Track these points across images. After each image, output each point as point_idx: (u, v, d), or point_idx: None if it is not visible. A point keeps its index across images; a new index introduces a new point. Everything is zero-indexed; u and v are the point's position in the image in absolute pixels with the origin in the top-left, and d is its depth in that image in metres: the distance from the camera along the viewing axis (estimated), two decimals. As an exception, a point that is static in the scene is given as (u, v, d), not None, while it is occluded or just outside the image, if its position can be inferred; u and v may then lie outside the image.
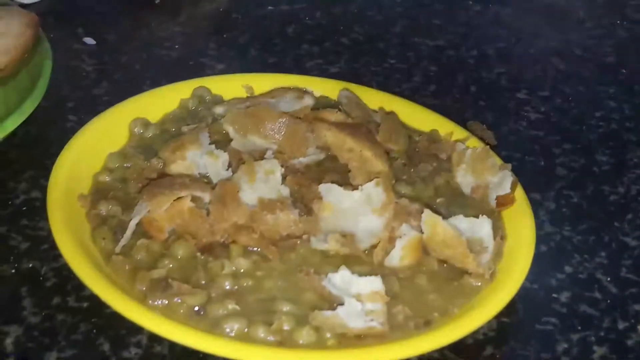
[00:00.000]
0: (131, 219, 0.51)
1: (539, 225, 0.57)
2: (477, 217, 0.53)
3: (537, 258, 0.53)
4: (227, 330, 0.46)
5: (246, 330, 0.46)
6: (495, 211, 0.56)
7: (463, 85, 0.74)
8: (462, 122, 0.63)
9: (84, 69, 0.70)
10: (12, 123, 0.53)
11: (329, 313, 0.46)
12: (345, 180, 0.55)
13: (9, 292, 0.49)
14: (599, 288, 0.54)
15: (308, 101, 0.62)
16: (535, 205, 0.59)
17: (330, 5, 0.84)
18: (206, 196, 0.52)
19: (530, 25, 0.84)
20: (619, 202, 0.62)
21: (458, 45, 0.80)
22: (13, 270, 0.51)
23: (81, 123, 0.58)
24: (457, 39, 0.81)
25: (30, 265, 0.51)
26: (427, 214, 0.51)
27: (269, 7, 0.83)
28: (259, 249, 0.51)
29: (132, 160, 0.56)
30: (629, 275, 0.56)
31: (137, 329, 0.47)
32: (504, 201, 0.56)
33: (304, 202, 0.53)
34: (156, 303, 0.47)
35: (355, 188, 0.54)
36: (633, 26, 0.86)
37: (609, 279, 0.55)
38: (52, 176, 0.53)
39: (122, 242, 0.50)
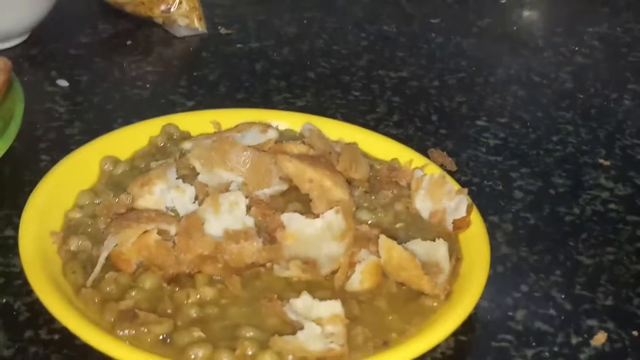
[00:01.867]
0: (100, 254, 0.53)
1: (496, 247, 0.59)
2: (434, 240, 0.55)
3: (494, 278, 0.55)
4: (193, 357, 0.48)
5: (211, 356, 0.48)
6: (452, 234, 0.58)
7: (425, 115, 0.77)
8: (423, 150, 0.66)
9: (57, 110, 0.72)
10: (-17, 165, 0.55)
11: (289, 337, 0.48)
12: (307, 209, 0.57)
13: (-17, 328, 0.51)
14: (554, 305, 0.57)
15: (272, 134, 0.64)
16: (493, 228, 0.61)
17: (297, 42, 0.87)
18: (172, 229, 0.54)
19: (490, 55, 0.88)
20: (574, 222, 0.65)
21: (421, 76, 0.83)
22: (-13, 307, 0.52)
23: (54, 162, 0.60)
24: (420, 70, 0.84)
25: (4, 300, 0.53)
26: (382, 239, 0.53)
27: (238, 45, 0.85)
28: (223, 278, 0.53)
29: (102, 197, 0.58)
30: (583, 292, 0.58)
31: (107, 359, 0.48)
32: (460, 224, 0.58)
33: (267, 231, 0.55)
34: (124, 333, 0.48)
35: (317, 216, 0.56)
36: (590, 52, 0.90)
37: (563, 296, 0.57)
38: (24, 214, 0.55)
39: (92, 276, 0.52)
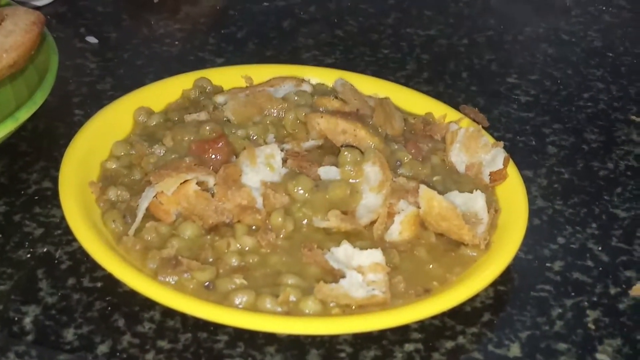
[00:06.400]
0: (140, 203, 0.53)
1: (531, 201, 0.59)
2: (471, 192, 0.55)
3: (531, 231, 0.55)
4: (237, 302, 0.48)
5: (254, 302, 0.48)
6: (489, 186, 0.58)
7: (455, 72, 0.76)
8: (455, 107, 0.65)
9: (87, 66, 0.72)
10: (25, 113, 0.55)
11: (333, 285, 0.48)
12: (343, 161, 0.57)
13: (26, 275, 0.51)
14: (591, 257, 0.57)
15: (306, 88, 0.64)
16: (528, 182, 0.61)
17: (324, 0, 0.86)
18: (210, 180, 0.54)
19: (518, 13, 0.87)
20: (608, 177, 0.64)
21: (449, 34, 0.82)
22: (29, 255, 0.53)
23: (87, 117, 0.60)
24: (448, 29, 0.83)
25: (45, 249, 0.53)
26: (423, 188, 0.53)
27: (265, 3, 0.85)
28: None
29: (137, 147, 0.58)
30: (620, 244, 0.58)
31: (149, 305, 0.49)
32: (497, 177, 0.58)
33: (304, 184, 0.56)
34: (167, 279, 0.49)
35: (353, 167, 0.56)
36: (618, 12, 0.89)
37: (600, 248, 0.57)
38: (63, 164, 0.55)
39: (134, 225, 0.52)
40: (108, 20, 0.80)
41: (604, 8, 0.89)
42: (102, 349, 0.47)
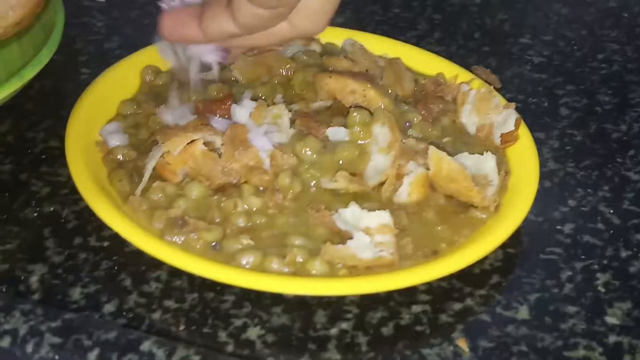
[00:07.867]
0: (147, 162, 0.52)
1: (543, 163, 0.58)
2: (482, 154, 0.55)
3: (542, 193, 0.55)
4: (243, 262, 0.48)
5: (261, 262, 0.48)
6: (499, 148, 0.57)
7: (467, 32, 0.75)
8: (466, 67, 0.64)
9: (94, 24, 0.72)
10: (31, 71, 0.54)
11: (339, 246, 0.48)
12: (352, 122, 0.56)
13: (33, 234, 0.51)
14: (602, 220, 0.56)
15: (315, 47, 0.63)
16: (540, 144, 0.60)
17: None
18: (217, 140, 0.53)
19: (532, -28, 0.85)
20: (621, 139, 0.64)
21: (461, -7, 0.81)
22: (35, 214, 0.52)
23: (94, 75, 0.60)
24: (461, -12, 0.82)
25: (52, 208, 0.53)
26: (432, 150, 0.53)
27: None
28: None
29: (144, 107, 0.57)
30: (632, 207, 0.57)
31: (156, 265, 0.49)
32: (508, 138, 0.57)
33: (313, 144, 0.55)
34: (174, 239, 0.49)
35: (361, 129, 0.55)
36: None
37: (611, 211, 0.57)
38: (69, 123, 0.54)
39: (141, 185, 0.52)
40: (115, -22, 0.79)
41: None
42: (109, 307, 0.47)
